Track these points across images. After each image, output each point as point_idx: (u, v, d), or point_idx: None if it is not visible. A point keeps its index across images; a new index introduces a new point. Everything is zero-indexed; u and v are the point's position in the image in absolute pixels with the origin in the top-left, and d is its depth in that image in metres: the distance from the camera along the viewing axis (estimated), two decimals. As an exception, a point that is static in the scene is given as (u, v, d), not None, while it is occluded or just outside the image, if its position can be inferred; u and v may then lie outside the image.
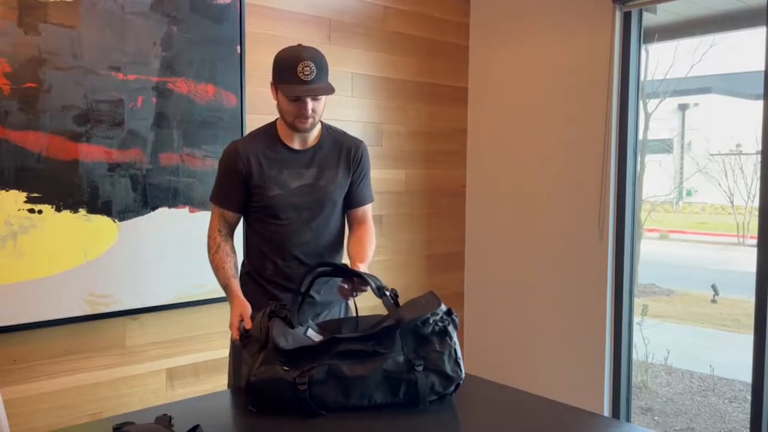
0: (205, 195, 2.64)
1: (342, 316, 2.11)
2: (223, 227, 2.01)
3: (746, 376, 4.28)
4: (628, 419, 3.23)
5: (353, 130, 2.19)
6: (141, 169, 2.52)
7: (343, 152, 2.05)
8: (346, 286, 1.80)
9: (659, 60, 5.58)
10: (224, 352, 2.73)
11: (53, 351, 2.40)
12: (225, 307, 2.24)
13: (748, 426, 2.76)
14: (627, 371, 3.19)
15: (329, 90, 1.88)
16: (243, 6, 2.75)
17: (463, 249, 3.81)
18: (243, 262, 2.12)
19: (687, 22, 3.58)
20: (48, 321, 2.34)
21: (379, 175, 3.34)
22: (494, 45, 3.61)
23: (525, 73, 3.47)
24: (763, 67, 2.67)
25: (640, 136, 3.84)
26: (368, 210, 2.13)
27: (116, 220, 2.47)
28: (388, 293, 1.69)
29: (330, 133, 2.07)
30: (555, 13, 3.31)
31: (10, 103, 2.23)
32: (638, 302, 5.73)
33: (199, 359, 2.75)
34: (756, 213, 2.72)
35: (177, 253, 2.62)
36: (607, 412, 3.19)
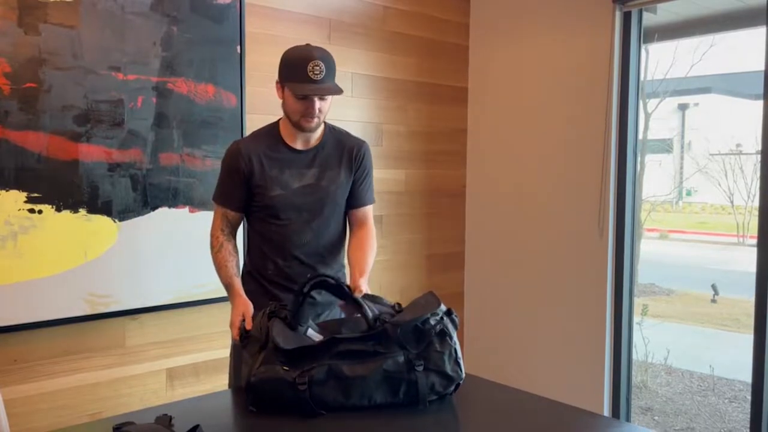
0: (205, 195, 2.64)
1: (342, 316, 2.11)
2: (226, 226, 2.02)
3: (746, 375, 4.29)
4: (628, 419, 3.23)
5: (353, 130, 2.20)
6: (141, 169, 2.52)
7: (345, 152, 2.04)
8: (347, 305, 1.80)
9: (659, 60, 5.60)
10: (224, 352, 2.72)
11: (53, 351, 2.40)
12: (225, 307, 2.24)
13: (748, 426, 2.76)
14: (627, 371, 3.19)
15: (338, 90, 1.88)
16: (243, 6, 2.75)
17: (463, 249, 3.81)
18: (244, 261, 2.12)
19: (687, 22, 3.57)
20: (48, 321, 2.34)
21: (379, 175, 3.34)
22: (494, 45, 3.61)
23: (525, 73, 3.47)
24: (763, 67, 2.67)
25: (640, 136, 3.85)
26: (369, 211, 2.12)
27: (116, 220, 2.47)
28: (387, 318, 1.64)
29: (333, 133, 2.06)
30: (555, 13, 3.31)
31: (10, 103, 2.23)
32: (638, 302, 5.73)
33: (199, 359, 2.75)
34: (756, 213, 2.72)
35: (177, 253, 2.62)
36: (607, 411, 3.19)
